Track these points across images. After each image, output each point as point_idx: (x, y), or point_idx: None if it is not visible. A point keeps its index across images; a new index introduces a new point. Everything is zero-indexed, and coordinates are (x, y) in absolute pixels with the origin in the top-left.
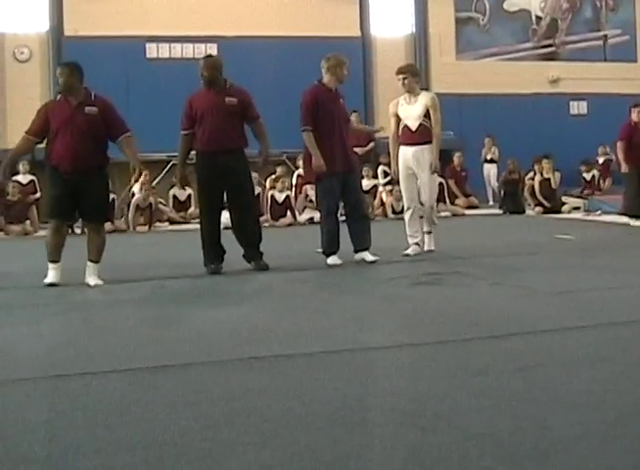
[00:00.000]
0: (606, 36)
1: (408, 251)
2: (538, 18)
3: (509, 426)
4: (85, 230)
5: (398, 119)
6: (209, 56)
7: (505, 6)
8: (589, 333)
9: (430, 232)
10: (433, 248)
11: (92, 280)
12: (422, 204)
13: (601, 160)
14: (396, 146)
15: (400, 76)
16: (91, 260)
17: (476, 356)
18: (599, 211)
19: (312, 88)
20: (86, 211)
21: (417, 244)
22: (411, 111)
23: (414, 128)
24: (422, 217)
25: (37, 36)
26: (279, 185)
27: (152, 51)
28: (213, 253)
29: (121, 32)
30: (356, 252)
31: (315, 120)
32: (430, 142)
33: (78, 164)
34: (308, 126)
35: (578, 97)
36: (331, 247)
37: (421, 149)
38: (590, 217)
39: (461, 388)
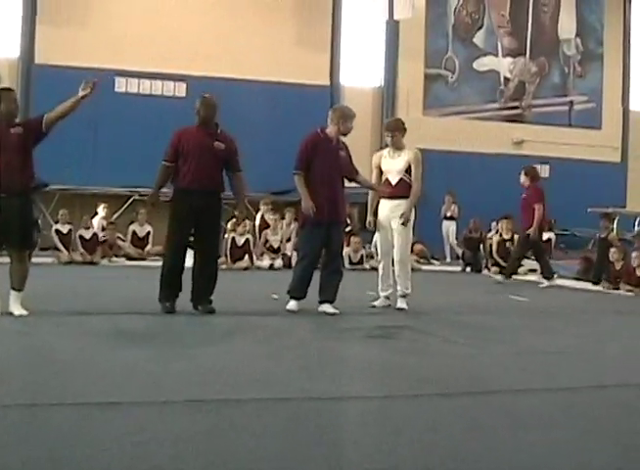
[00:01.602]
0: (572, 102)
1: (376, 302)
2: (507, 79)
3: None
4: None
5: (380, 172)
6: (207, 95)
7: (475, 65)
8: (538, 396)
9: (403, 296)
10: (404, 307)
11: (16, 309)
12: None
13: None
14: (376, 197)
15: (389, 134)
16: (14, 289)
17: (424, 413)
18: (555, 275)
19: (311, 134)
20: (11, 238)
21: (387, 297)
22: (393, 165)
23: (394, 182)
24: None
25: (7, 62)
26: (240, 229)
27: (121, 85)
28: (171, 290)
29: (92, 64)
30: (320, 303)
31: (308, 166)
32: (408, 197)
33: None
34: (298, 170)
35: (541, 160)
36: (295, 291)
37: (398, 203)
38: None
39: (408, 443)
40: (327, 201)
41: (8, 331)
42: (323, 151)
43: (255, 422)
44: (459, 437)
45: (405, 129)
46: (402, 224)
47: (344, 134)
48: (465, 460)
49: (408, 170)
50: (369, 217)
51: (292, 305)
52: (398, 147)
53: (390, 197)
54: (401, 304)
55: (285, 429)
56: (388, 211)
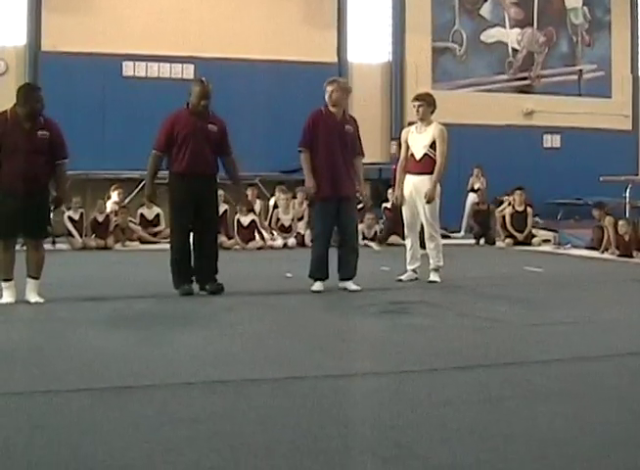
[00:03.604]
0: (581, 71)
1: (403, 276)
2: (515, 50)
3: (470, 458)
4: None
5: (408, 147)
6: (203, 82)
7: (482, 37)
8: (553, 367)
9: (435, 269)
10: (437, 279)
11: (32, 297)
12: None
13: None
14: (403, 173)
15: (416, 103)
16: (31, 276)
17: (439, 387)
18: (569, 245)
19: (313, 112)
20: (28, 227)
21: (414, 271)
22: (419, 140)
23: (418, 157)
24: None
25: (14, 50)
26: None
27: (128, 69)
28: (184, 273)
29: (99, 49)
30: (340, 280)
31: (312, 143)
32: (432, 173)
33: (30, 184)
34: (302, 147)
35: (552, 130)
36: (316, 272)
37: (422, 179)
38: (560, 250)
39: (424, 418)
40: (332, 177)
41: (24, 318)
42: (326, 127)
43: (272, 401)
44: (474, 410)
45: (434, 103)
46: (427, 202)
47: (334, 105)
48: (481, 433)
49: (433, 146)
50: (396, 192)
51: (316, 286)
52: (426, 121)
53: (415, 172)
54: (434, 277)
55: (301, 407)
56: (413, 186)
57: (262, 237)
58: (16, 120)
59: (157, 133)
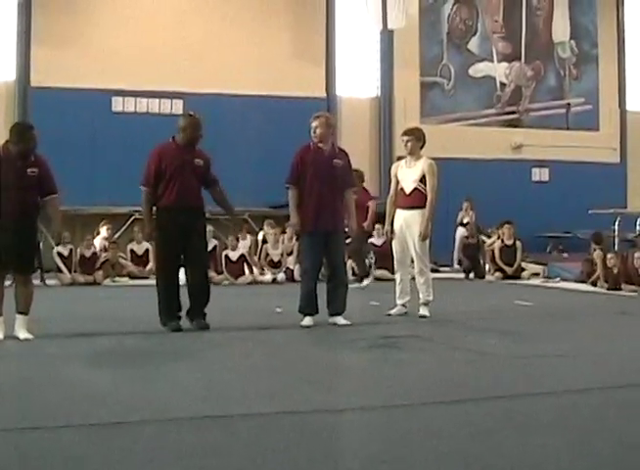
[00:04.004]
0: (569, 105)
1: (392, 311)
2: (503, 84)
3: None
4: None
5: (398, 181)
6: (193, 115)
7: (470, 72)
8: (543, 400)
9: (425, 304)
10: (426, 314)
11: (21, 333)
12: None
13: None
14: (393, 207)
15: (405, 138)
16: (20, 312)
17: (429, 421)
18: (558, 278)
19: (300, 148)
20: (17, 262)
21: (404, 305)
22: (408, 174)
23: (408, 191)
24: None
25: (4, 85)
26: (230, 243)
27: (118, 104)
28: (171, 310)
29: (88, 85)
30: (330, 315)
31: (299, 179)
32: (423, 207)
33: (20, 220)
34: (288, 184)
35: (541, 164)
36: (306, 307)
37: (412, 213)
38: (549, 284)
39: (415, 452)
40: (320, 211)
41: (13, 354)
42: (314, 163)
43: (261, 436)
44: (464, 443)
45: (423, 138)
46: (422, 240)
47: (319, 141)
48: (471, 466)
49: (423, 180)
50: (386, 227)
51: (306, 321)
52: (415, 156)
53: (405, 207)
54: (423, 311)
55: (291, 442)
56: (403, 220)
57: (252, 271)
58: (8, 158)
59: (144, 168)
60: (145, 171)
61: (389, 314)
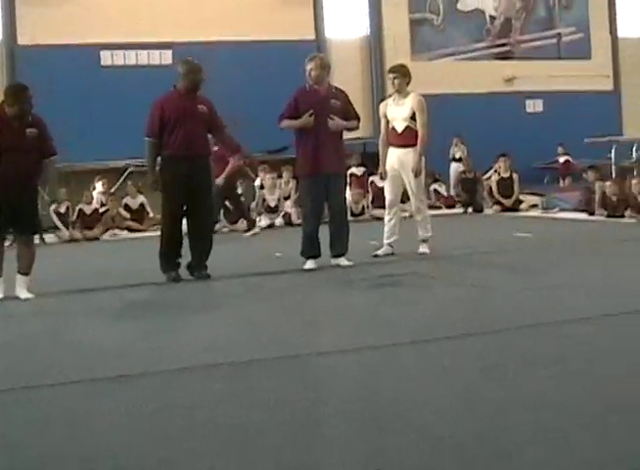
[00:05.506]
0: (560, 34)
1: (379, 251)
2: (492, 17)
3: (469, 427)
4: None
5: (388, 120)
6: (190, 59)
7: (459, 6)
8: (545, 331)
9: (424, 240)
10: (426, 251)
11: (22, 293)
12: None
13: (561, 159)
14: (385, 147)
15: (391, 75)
16: (21, 273)
17: (434, 358)
18: (556, 209)
19: (297, 89)
20: (18, 223)
21: (390, 245)
22: (398, 112)
23: (400, 130)
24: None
25: None
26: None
27: (106, 59)
28: (173, 259)
29: (75, 41)
30: (332, 257)
31: (294, 118)
32: (416, 145)
33: (21, 182)
34: (280, 119)
35: (534, 95)
36: (308, 251)
37: (406, 151)
38: (548, 215)
39: (421, 389)
40: (319, 154)
41: (15, 314)
42: (307, 103)
43: (267, 382)
44: (471, 378)
45: (409, 74)
46: (415, 176)
47: (315, 82)
48: (478, 401)
49: (413, 117)
50: (380, 168)
51: (309, 264)
52: (402, 93)
53: (398, 145)
54: (423, 248)
55: (297, 386)
56: (397, 159)
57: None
58: (3, 119)
59: (147, 119)
60: (148, 121)
61: (377, 255)
